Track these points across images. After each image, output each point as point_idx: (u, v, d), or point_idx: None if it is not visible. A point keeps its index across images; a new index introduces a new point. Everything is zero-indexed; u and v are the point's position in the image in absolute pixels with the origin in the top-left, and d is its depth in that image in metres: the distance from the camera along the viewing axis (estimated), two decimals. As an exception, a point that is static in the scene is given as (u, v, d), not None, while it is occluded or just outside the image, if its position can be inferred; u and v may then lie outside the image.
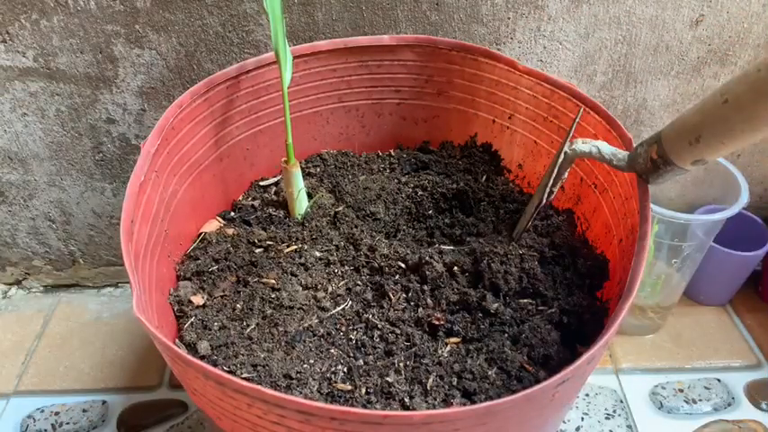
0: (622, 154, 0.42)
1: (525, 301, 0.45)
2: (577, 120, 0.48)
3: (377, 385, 0.40)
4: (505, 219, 0.53)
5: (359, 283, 0.48)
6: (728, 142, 0.34)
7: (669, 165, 0.38)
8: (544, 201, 0.47)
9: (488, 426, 0.33)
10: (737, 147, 0.35)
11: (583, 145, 0.43)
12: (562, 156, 0.45)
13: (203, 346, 0.44)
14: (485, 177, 0.58)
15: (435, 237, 0.52)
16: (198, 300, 0.48)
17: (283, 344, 0.44)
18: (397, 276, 0.48)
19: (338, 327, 0.45)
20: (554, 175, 0.45)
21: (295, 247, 0.51)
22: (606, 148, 0.43)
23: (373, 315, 0.45)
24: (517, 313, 0.44)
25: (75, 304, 0.75)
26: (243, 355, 0.43)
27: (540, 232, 0.52)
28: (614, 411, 0.63)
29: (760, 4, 0.60)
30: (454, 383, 0.40)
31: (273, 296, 0.47)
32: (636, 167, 0.41)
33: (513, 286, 0.46)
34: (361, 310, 0.46)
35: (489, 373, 0.41)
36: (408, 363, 0.42)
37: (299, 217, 0.54)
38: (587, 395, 0.64)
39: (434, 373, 0.41)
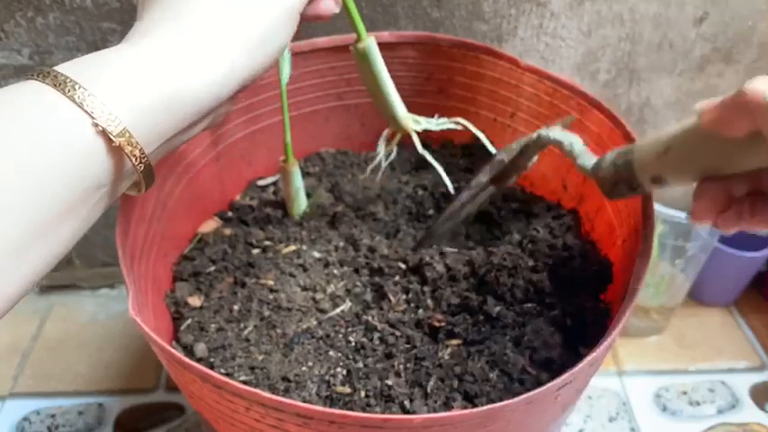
0: (591, 157, 0.39)
1: (529, 305, 0.44)
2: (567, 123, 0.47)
3: (376, 388, 0.40)
4: (508, 218, 0.53)
5: (358, 284, 0.47)
6: (694, 163, 0.32)
7: (628, 172, 0.35)
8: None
9: (489, 428, 0.32)
10: (702, 171, 0.32)
11: (558, 133, 0.41)
12: (535, 135, 0.42)
13: (200, 349, 0.43)
14: (486, 177, 0.57)
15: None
16: (195, 301, 0.47)
17: (281, 346, 0.43)
18: (397, 277, 0.47)
19: (337, 329, 0.44)
20: (514, 155, 0.43)
21: (293, 247, 0.50)
22: (579, 145, 0.40)
23: (372, 317, 0.44)
24: (519, 316, 0.44)
25: (70, 305, 0.74)
26: (240, 357, 0.42)
27: (549, 233, 0.51)
28: (617, 414, 0.62)
29: (764, 1, 0.59)
30: (455, 386, 0.40)
31: (271, 297, 0.46)
32: (598, 173, 0.38)
33: (519, 284, 0.45)
34: (360, 312, 0.45)
35: (491, 375, 0.40)
36: (408, 365, 0.41)
37: (298, 217, 0.54)
38: (590, 397, 0.63)
39: (435, 376, 0.40)
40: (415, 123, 0.45)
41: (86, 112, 0.24)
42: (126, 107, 0.25)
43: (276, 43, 0.30)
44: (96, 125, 0.24)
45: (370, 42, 0.42)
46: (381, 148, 0.47)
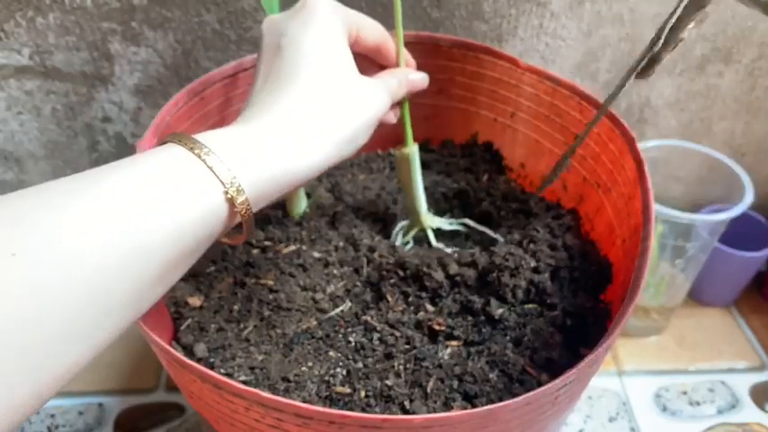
0: None
1: (530, 306, 0.44)
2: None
3: (376, 388, 0.40)
4: (508, 218, 0.53)
5: (358, 284, 0.47)
6: None
7: None
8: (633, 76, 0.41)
9: (489, 429, 0.32)
10: None
11: None
12: None
13: (200, 349, 0.43)
14: (486, 177, 0.57)
15: (436, 236, 0.51)
16: (195, 301, 0.47)
17: (281, 346, 0.43)
18: (395, 278, 0.47)
19: (337, 329, 0.44)
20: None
21: (293, 247, 0.50)
22: None
23: (372, 317, 0.44)
24: (521, 317, 0.44)
25: (71, 305, 0.74)
26: (240, 357, 0.42)
27: (549, 233, 0.51)
28: (617, 414, 0.62)
29: (765, 1, 0.59)
30: (455, 386, 0.40)
31: (271, 297, 0.46)
32: None
33: (520, 285, 0.45)
34: (360, 312, 0.45)
35: (491, 375, 0.40)
36: (408, 365, 0.41)
37: (298, 217, 0.54)
38: (590, 398, 0.63)
39: (435, 376, 0.40)
40: (431, 221, 0.51)
41: (221, 181, 0.30)
42: (247, 181, 0.31)
43: (359, 142, 0.38)
44: (227, 193, 0.30)
45: (414, 150, 0.48)
46: (399, 239, 0.52)
